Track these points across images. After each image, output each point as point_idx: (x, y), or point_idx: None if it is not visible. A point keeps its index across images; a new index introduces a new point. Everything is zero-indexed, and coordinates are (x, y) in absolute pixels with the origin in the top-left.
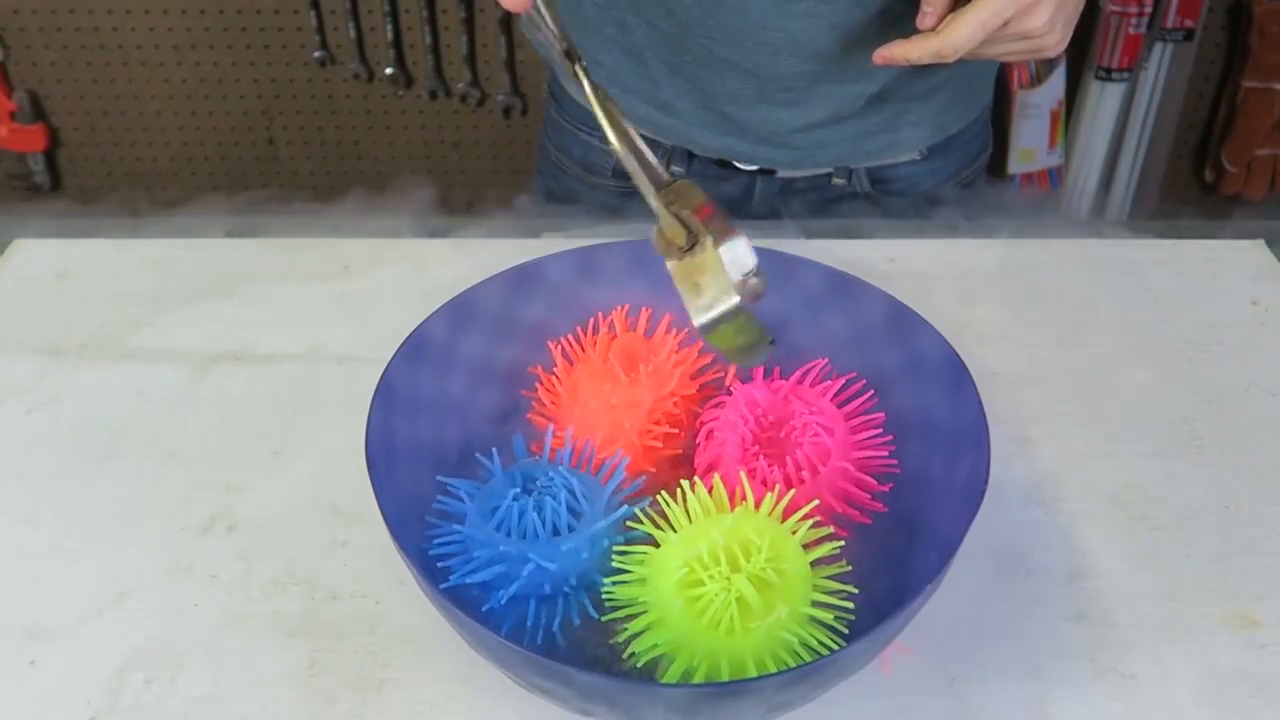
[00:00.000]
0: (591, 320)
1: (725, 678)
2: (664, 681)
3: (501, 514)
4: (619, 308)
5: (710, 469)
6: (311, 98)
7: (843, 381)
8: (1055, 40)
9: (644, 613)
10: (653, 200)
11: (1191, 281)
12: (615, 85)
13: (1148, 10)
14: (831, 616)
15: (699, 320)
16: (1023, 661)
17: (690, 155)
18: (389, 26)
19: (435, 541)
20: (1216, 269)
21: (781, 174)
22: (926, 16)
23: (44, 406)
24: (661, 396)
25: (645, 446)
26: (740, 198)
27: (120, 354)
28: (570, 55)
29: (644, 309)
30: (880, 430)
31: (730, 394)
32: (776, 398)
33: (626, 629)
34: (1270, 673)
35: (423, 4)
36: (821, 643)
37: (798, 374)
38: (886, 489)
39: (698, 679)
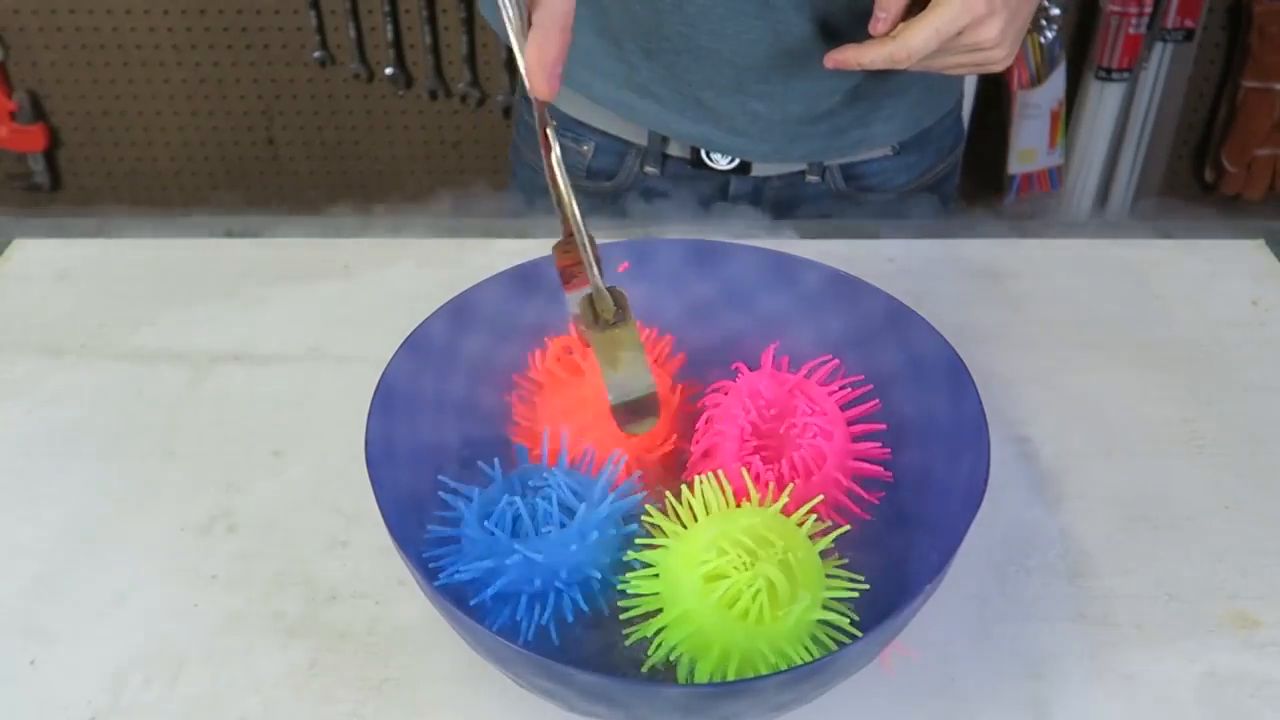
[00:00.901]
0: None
1: (764, 668)
2: (696, 680)
3: (496, 517)
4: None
5: (706, 455)
6: (311, 98)
7: (846, 385)
8: (1004, 54)
9: (660, 611)
10: (596, 276)
11: (1191, 281)
12: (589, 67)
13: (1148, 10)
14: (846, 606)
15: (613, 398)
16: (1023, 661)
17: (664, 156)
18: (389, 26)
19: (429, 542)
20: (1216, 269)
21: (755, 172)
22: (879, 22)
23: (44, 406)
24: None
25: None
26: (715, 196)
27: (120, 354)
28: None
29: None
30: (879, 439)
31: (736, 380)
32: (781, 390)
33: (638, 629)
34: (1270, 673)
35: (423, 4)
36: (840, 628)
37: (806, 368)
38: (876, 500)
39: (731, 672)
